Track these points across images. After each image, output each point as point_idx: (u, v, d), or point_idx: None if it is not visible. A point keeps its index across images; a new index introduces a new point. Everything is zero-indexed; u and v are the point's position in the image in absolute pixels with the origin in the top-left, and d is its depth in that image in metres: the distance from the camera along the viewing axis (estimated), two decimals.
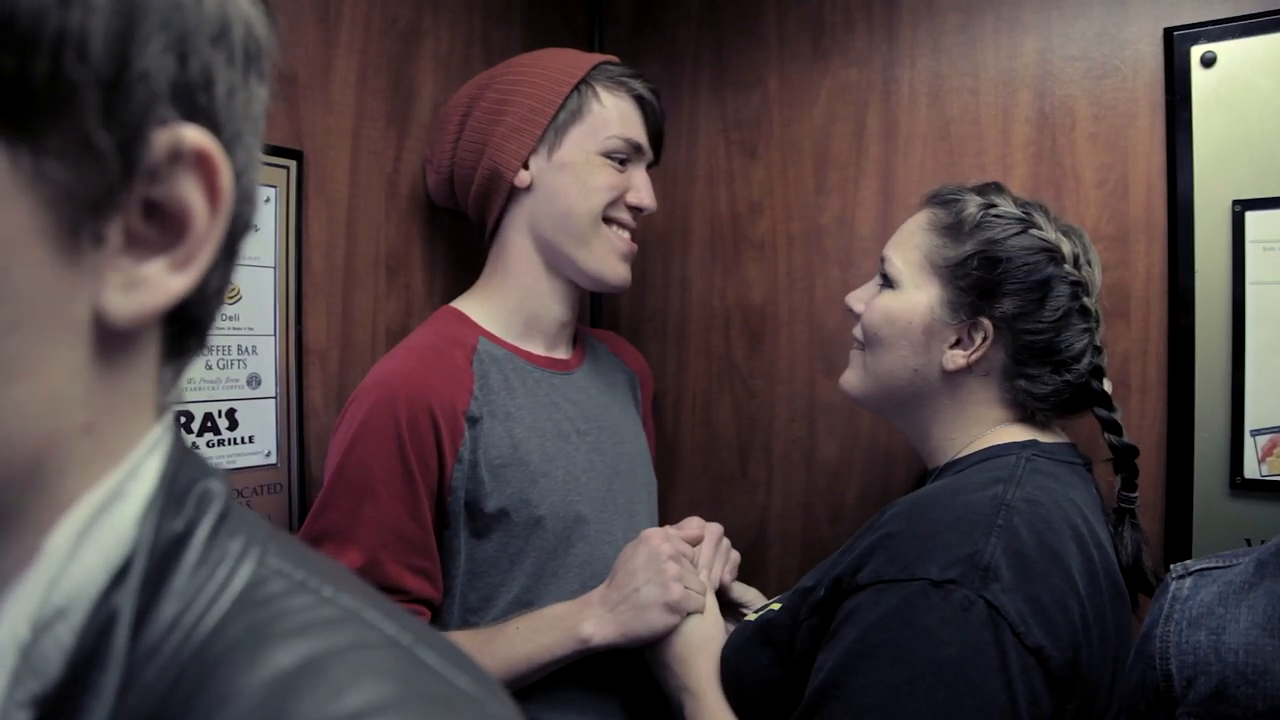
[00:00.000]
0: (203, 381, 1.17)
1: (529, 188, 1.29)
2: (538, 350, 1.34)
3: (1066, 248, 1.08)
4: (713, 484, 1.78)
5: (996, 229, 1.08)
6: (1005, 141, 1.49)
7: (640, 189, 1.33)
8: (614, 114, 1.30)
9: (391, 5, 1.42)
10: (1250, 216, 1.28)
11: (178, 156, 0.38)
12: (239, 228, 0.44)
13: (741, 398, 1.75)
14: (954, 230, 1.11)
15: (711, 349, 1.79)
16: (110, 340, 0.38)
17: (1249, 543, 1.29)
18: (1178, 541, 1.34)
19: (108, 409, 0.39)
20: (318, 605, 0.40)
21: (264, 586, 0.41)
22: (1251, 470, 1.29)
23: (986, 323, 1.07)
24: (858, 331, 1.20)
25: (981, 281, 1.07)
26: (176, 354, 0.45)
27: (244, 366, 1.22)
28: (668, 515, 1.81)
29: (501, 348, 1.29)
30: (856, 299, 1.22)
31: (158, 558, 0.39)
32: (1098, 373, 1.12)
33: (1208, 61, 1.31)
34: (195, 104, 0.39)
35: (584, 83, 1.29)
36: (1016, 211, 1.10)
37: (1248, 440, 1.29)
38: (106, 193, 0.36)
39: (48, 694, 0.36)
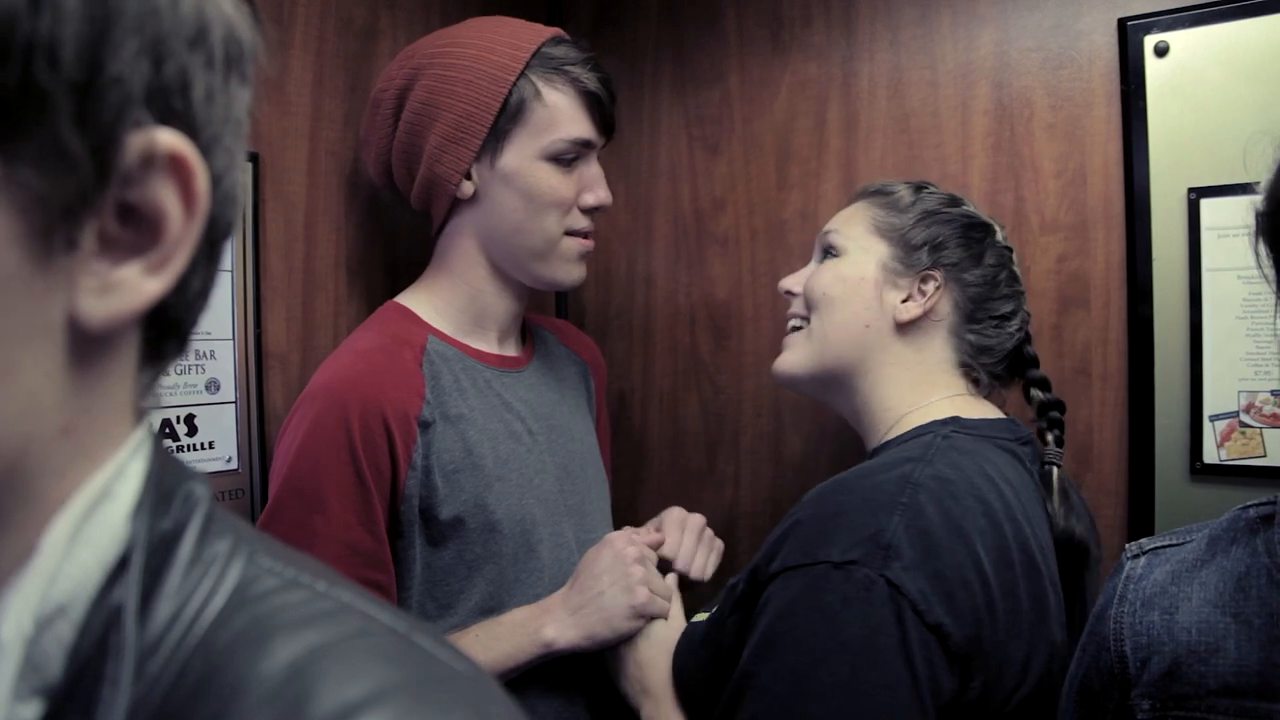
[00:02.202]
0: (160, 387, 1.15)
1: (474, 197, 1.20)
2: (488, 348, 1.26)
3: (995, 225, 1.19)
4: (681, 480, 1.78)
5: (931, 202, 1.18)
6: (964, 133, 1.50)
7: (593, 185, 1.22)
8: (558, 114, 1.17)
9: (347, 5, 1.41)
10: (1205, 204, 1.30)
11: (151, 160, 0.37)
12: (220, 230, 0.44)
13: (708, 394, 1.75)
14: (893, 205, 1.19)
15: (677, 345, 1.79)
16: (86, 344, 0.38)
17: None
18: (1140, 527, 1.36)
19: (86, 411, 0.39)
20: (314, 599, 0.42)
21: (257, 584, 0.42)
22: (1211, 455, 1.31)
23: (938, 273, 1.13)
24: (797, 307, 1.22)
25: (930, 236, 1.15)
26: (156, 357, 0.45)
27: (202, 371, 1.20)
28: (637, 512, 1.81)
29: (451, 346, 1.21)
30: (794, 280, 1.25)
31: (151, 556, 0.40)
32: (1028, 338, 1.18)
33: (1161, 51, 1.33)
34: (171, 107, 0.38)
35: (523, 76, 1.16)
36: (946, 193, 1.21)
37: (1206, 426, 1.31)
38: (80, 197, 0.36)
39: (53, 687, 0.37)
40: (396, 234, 1.51)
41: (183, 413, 1.18)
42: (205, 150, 0.40)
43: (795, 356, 1.21)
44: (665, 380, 1.80)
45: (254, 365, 1.26)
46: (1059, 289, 1.43)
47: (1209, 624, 0.75)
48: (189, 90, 0.39)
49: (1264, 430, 1.28)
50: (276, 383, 1.31)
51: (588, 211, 1.23)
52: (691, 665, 1.06)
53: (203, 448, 1.20)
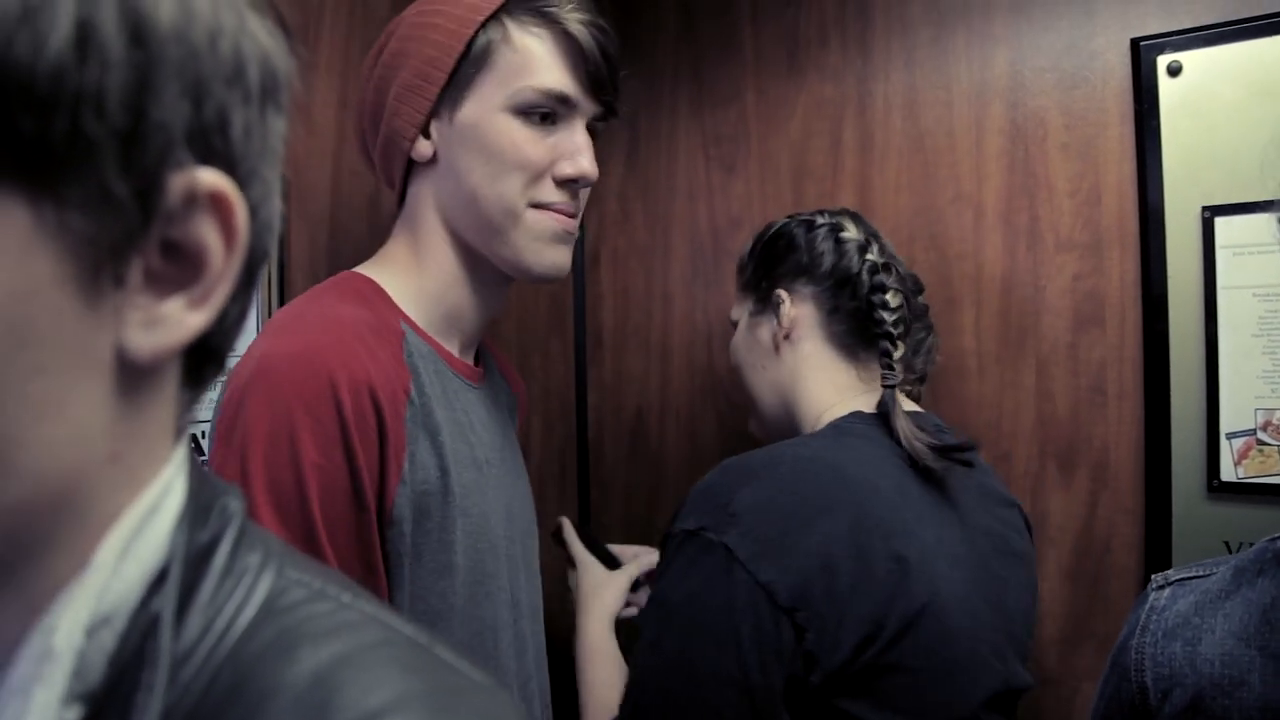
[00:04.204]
0: (198, 405, 1.16)
1: (433, 160, 1.00)
2: (456, 353, 1.05)
3: (821, 219, 1.27)
4: None
5: (766, 233, 1.31)
6: (979, 152, 1.51)
7: (574, 154, 0.99)
8: (530, 60, 0.96)
9: (371, 27, 1.43)
10: (1219, 222, 1.30)
11: (193, 199, 0.38)
12: (257, 257, 0.45)
13: (725, 410, 1.76)
14: (740, 265, 1.35)
15: (695, 362, 1.80)
16: (133, 375, 0.39)
17: (1228, 545, 1.31)
18: (1157, 545, 1.35)
19: (132, 436, 0.40)
20: (339, 610, 0.43)
21: (286, 595, 0.43)
22: (1228, 473, 1.31)
23: (779, 291, 1.24)
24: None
25: (762, 266, 1.28)
26: (195, 381, 0.46)
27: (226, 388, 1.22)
28: (654, 530, 1.82)
29: (426, 342, 0.98)
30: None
31: (188, 568, 0.41)
32: (880, 288, 1.20)
33: (1174, 71, 1.34)
34: (210, 146, 0.39)
35: (494, 18, 0.96)
36: (782, 219, 1.32)
37: (1223, 443, 1.31)
38: (126, 238, 0.37)
39: (93, 692, 0.38)
40: None
41: (207, 428, 1.20)
42: (243, 183, 0.41)
43: (754, 426, 1.38)
44: (683, 397, 1.81)
45: None
46: (1074, 307, 1.43)
47: (1233, 657, 0.74)
48: (228, 128, 0.40)
49: None
50: None
51: (564, 184, 1.00)
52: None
53: None
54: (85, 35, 0.34)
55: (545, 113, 0.97)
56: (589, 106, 1.01)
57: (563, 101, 0.98)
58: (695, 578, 0.97)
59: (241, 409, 0.79)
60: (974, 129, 1.51)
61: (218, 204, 0.39)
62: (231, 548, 0.43)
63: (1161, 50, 1.35)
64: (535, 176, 0.98)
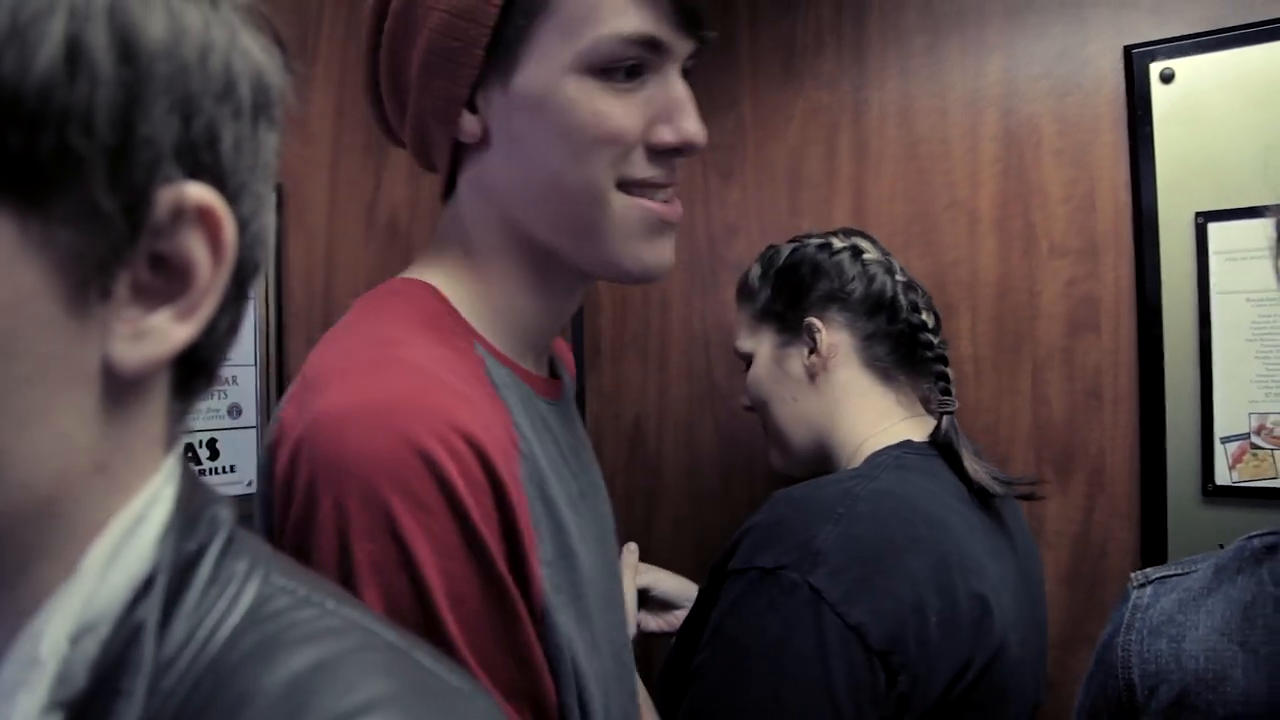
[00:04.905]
0: (191, 416, 1.17)
1: (484, 139, 0.75)
2: (532, 369, 0.81)
3: (838, 241, 1.23)
4: (696, 505, 1.79)
5: (777, 258, 1.26)
6: (973, 159, 1.51)
7: (672, 112, 0.73)
8: (600, 1, 0.69)
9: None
10: (1212, 228, 1.31)
11: (181, 213, 0.39)
12: (248, 271, 0.46)
13: (723, 418, 1.77)
14: (750, 291, 1.29)
15: (693, 370, 1.80)
16: (119, 386, 0.40)
17: (1222, 549, 1.31)
18: (1153, 549, 1.36)
19: (119, 447, 0.41)
20: (322, 616, 0.43)
21: (271, 603, 0.43)
22: (1223, 477, 1.31)
23: (812, 320, 1.19)
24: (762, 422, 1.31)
25: (784, 292, 1.23)
26: (186, 393, 0.46)
27: (225, 396, 1.23)
28: (651, 538, 1.82)
29: (503, 365, 0.75)
30: (743, 401, 1.35)
31: (174, 576, 0.41)
32: (915, 308, 1.19)
33: (1167, 78, 1.35)
34: (199, 161, 0.40)
35: None
36: (790, 241, 1.28)
37: (1218, 447, 1.32)
38: (113, 251, 0.37)
39: (74, 699, 0.38)
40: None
41: (205, 437, 1.21)
42: (233, 198, 0.41)
43: (775, 459, 1.32)
44: (681, 404, 1.82)
45: (275, 391, 1.29)
46: (1069, 312, 1.44)
47: (1216, 652, 0.75)
48: (217, 143, 0.40)
49: (1275, 452, 1.28)
50: None
51: (662, 154, 0.74)
52: (669, 658, 1.11)
53: (224, 471, 1.23)
54: (74, 53, 0.34)
55: (633, 64, 0.72)
56: (684, 47, 0.74)
57: (653, 48, 0.72)
58: (776, 620, 0.92)
59: (314, 497, 0.59)
60: (968, 136, 1.52)
61: (205, 218, 0.40)
62: (218, 556, 0.43)
63: (1154, 57, 1.36)
64: (627, 150, 0.73)
